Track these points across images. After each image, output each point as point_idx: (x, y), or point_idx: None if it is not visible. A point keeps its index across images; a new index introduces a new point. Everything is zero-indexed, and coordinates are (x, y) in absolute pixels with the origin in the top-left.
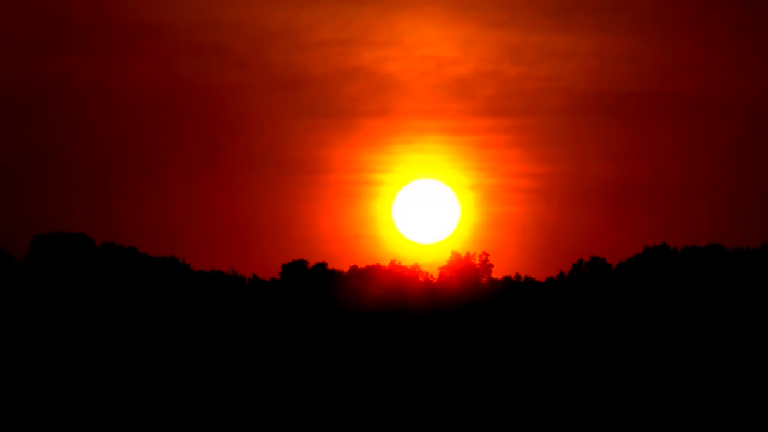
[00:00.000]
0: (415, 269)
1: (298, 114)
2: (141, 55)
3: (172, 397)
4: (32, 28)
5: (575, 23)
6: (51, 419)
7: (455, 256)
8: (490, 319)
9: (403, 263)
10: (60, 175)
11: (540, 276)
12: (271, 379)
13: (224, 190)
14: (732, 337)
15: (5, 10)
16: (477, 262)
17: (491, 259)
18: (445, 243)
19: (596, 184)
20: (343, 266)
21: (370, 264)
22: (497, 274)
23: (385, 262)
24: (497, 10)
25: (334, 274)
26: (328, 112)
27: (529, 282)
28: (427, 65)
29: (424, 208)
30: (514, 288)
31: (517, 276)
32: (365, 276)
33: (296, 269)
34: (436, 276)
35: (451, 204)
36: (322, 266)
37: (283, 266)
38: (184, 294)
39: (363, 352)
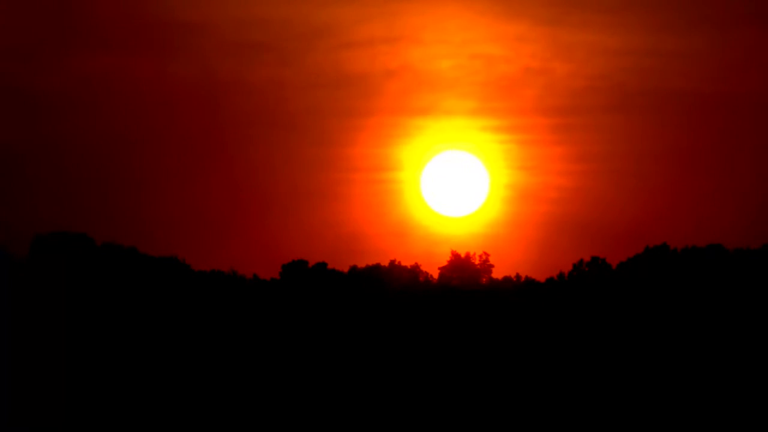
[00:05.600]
0: (415, 269)
1: (337, 113)
2: (175, 53)
3: (173, 397)
4: (58, 26)
5: (628, 21)
6: (51, 419)
7: (455, 256)
8: (490, 319)
9: (404, 263)
10: (60, 174)
11: (541, 276)
12: (271, 379)
13: (227, 191)
14: (732, 337)
15: (36, 5)
16: (477, 262)
17: (494, 259)
18: (472, 218)
19: (628, 184)
20: (351, 265)
21: (371, 264)
22: (507, 272)
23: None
24: (549, 7)
25: (334, 274)
26: (369, 111)
27: (530, 282)
28: (476, 63)
29: (453, 180)
30: (515, 288)
31: (518, 276)
32: (365, 276)
33: (296, 269)
34: (436, 276)
35: (479, 175)
36: (322, 266)
37: (283, 266)
38: (184, 294)
39: (362, 353)
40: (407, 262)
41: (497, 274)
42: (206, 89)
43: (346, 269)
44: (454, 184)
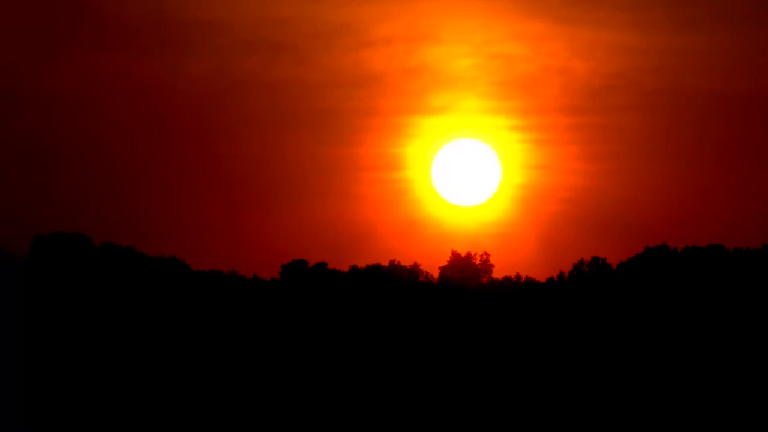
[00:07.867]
0: (415, 269)
1: (356, 112)
2: (191, 52)
3: (172, 397)
4: (70, 24)
5: (648, 20)
6: (51, 420)
7: (455, 255)
8: (490, 319)
9: (403, 263)
10: (60, 174)
11: (541, 276)
12: (271, 379)
13: (227, 191)
14: (732, 337)
15: (49, 3)
16: (478, 261)
17: (498, 257)
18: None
19: (638, 184)
20: (351, 265)
21: (371, 264)
22: (509, 271)
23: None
24: (570, 6)
25: (334, 274)
26: (387, 110)
27: (530, 282)
28: (496, 63)
29: (465, 167)
30: (515, 288)
31: (518, 276)
32: (365, 276)
33: (296, 269)
34: (436, 275)
35: (490, 162)
36: (322, 266)
37: (283, 266)
38: (184, 294)
39: (362, 352)
40: (410, 260)
41: (500, 272)
42: (219, 89)
43: (347, 269)
44: (466, 171)
